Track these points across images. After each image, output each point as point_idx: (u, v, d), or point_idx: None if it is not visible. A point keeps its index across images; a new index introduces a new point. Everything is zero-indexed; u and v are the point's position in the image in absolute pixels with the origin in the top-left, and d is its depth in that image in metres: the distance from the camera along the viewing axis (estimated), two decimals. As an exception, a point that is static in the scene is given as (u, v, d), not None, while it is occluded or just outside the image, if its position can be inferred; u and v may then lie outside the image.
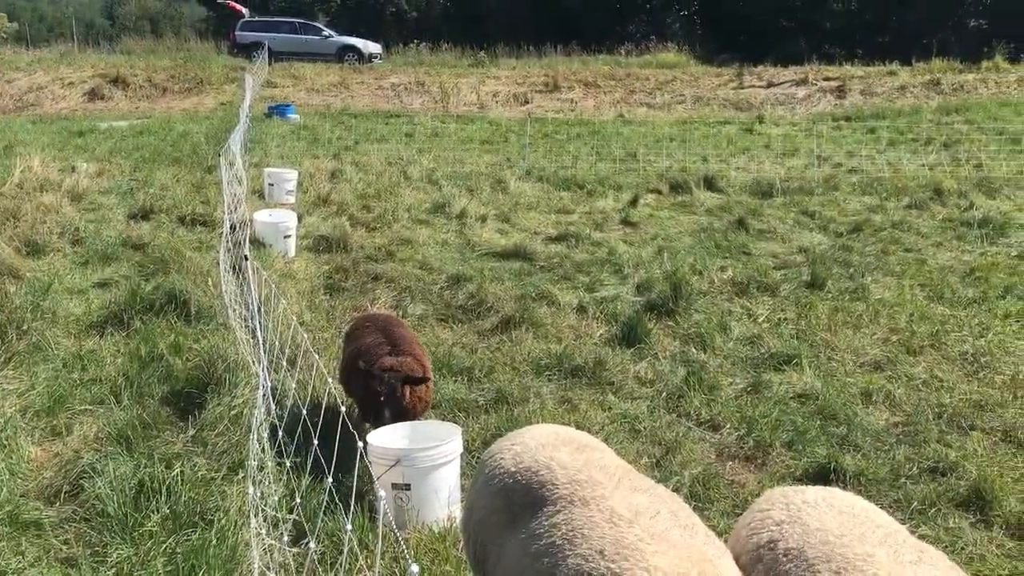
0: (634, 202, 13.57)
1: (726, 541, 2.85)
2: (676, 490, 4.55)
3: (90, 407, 6.00)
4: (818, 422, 6.10)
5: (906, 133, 20.63)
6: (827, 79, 28.91)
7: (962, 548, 4.52)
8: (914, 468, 5.45)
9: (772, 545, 2.61)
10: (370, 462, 4.63)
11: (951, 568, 2.55)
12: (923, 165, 16.70)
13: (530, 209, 13.10)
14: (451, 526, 4.60)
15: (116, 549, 4.28)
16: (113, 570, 4.16)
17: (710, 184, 14.79)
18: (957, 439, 5.87)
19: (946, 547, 4.46)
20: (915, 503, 5.00)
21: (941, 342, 7.68)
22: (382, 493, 3.17)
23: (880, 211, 13.09)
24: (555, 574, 2.61)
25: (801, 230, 12.14)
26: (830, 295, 9.03)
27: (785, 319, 8.36)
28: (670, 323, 8.19)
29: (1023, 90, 27.01)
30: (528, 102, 27.13)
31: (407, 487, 4.61)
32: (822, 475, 5.29)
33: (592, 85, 28.95)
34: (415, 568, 2.02)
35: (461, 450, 4.94)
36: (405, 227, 11.75)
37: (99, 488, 4.74)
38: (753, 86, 29.08)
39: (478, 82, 28.88)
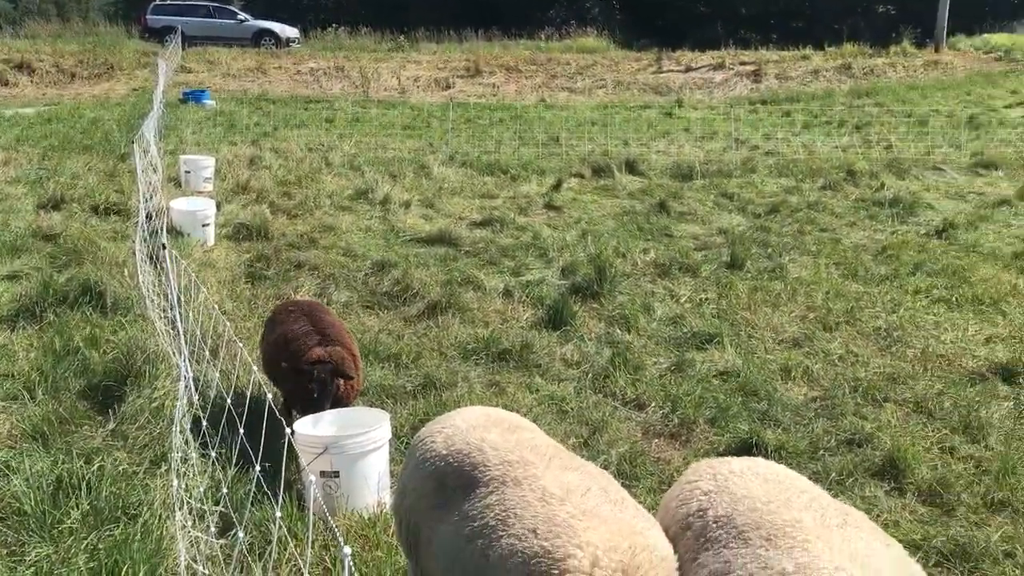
0: (557, 186, 13.65)
1: (655, 515, 2.91)
2: (604, 468, 4.62)
3: (2, 403, 5.79)
4: (740, 398, 6.25)
5: (819, 116, 21.18)
6: (743, 63, 29.48)
7: (878, 515, 4.69)
8: (832, 440, 5.64)
9: (701, 514, 2.67)
10: (298, 451, 4.58)
11: (874, 529, 2.65)
12: (836, 147, 17.17)
13: (454, 194, 13.06)
14: (381, 512, 4.58)
15: (35, 548, 4.15)
16: (32, 569, 4.03)
17: (632, 168, 14.95)
18: (872, 411, 6.08)
19: (863, 514, 4.62)
20: (833, 474, 5.18)
21: (856, 318, 7.94)
22: (311, 478, 3.14)
23: (796, 192, 13.43)
24: (489, 555, 2.63)
25: (720, 212, 12.38)
26: (749, 275, 9.25)
27: (706, 299, 8.53)
28: (595, 305, 8.28)
29: (929, 74, 27.98)
30: (450, 87, 27.00)
31: (336, 474, 4.57)
32: (744, 450, 5.42)
33: (513, 70, 28.95)
34: (347, 550, 2.01)
35: (390, 436, 4.92)
36: (327, 214, 11.60)
37: (15, 486, 4.58)
38: (672, 71, 29.46)
39: (399, 67, 28.61)
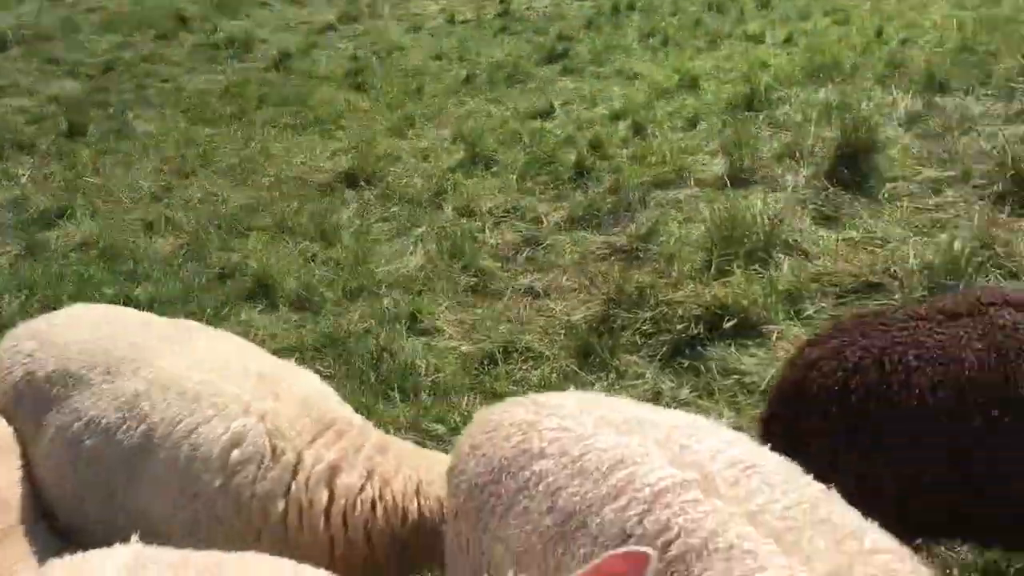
0: None
1: None
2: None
3: None
4: (103, 264, 5.95)
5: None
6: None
7: (256, 334, 4.88)
8: (203, 279, 5.68)
9: (30, 378, 2.46)
10: None
11: (220, 333, 2.72)
12: (162, -5, 16.50)
13: None
14: None
15: None
16: None
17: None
18: (239, 243, 6.24)
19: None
20: (209, 310, 5.21)
21: (210, 160, 7.99)
22: None
23: (129, 47, 12.72)
24: None
25: (49, 80, 11.26)
26: (93, 139, 8.73)
27: (50, 173, 7.87)
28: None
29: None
30: None
31: None
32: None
33: None
34: None
35: None
36: None
37: None
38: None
39: None
